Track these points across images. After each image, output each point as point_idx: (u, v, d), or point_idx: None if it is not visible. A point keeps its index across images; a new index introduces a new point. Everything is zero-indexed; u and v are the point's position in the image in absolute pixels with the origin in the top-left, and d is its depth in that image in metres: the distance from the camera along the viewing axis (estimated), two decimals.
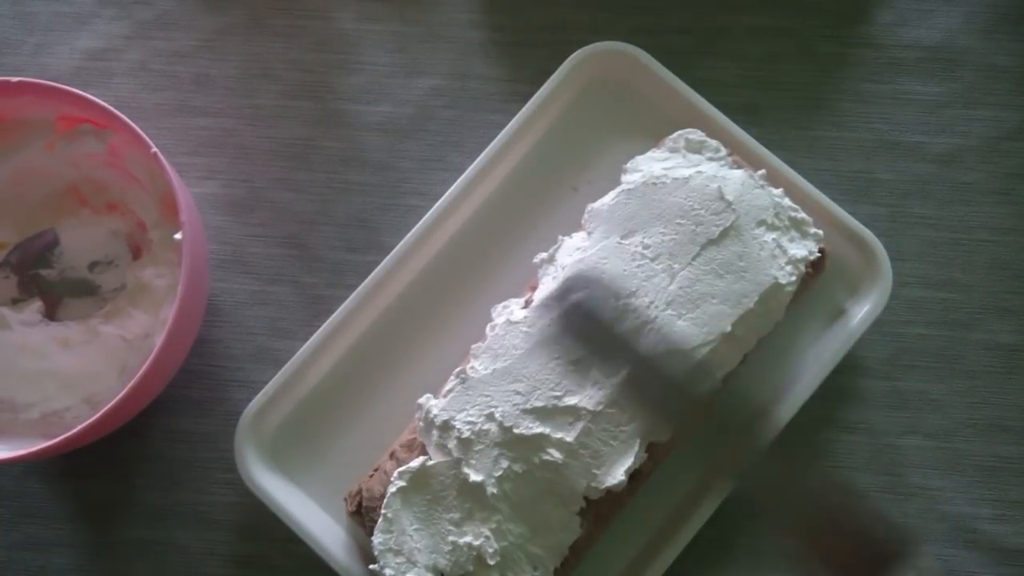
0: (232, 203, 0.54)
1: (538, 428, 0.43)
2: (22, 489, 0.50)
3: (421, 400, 0.45)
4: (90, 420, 0.42)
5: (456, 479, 0.43)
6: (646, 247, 0.45)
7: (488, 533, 0.42)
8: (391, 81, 0.55)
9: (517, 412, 0.43)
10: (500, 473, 0.43)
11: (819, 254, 0.47)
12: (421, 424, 0.45)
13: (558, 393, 0.43)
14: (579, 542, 0.44)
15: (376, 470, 0.46)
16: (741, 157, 0.49)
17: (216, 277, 0.53)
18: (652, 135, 0.50)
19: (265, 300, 0.52)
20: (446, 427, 0.43)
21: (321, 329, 0.49)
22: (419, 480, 0.43)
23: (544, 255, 0.47)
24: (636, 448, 0.43)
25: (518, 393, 0.43)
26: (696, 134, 0.49)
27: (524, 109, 0.51)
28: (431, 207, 0.50)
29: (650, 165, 0.47)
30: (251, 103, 0.55)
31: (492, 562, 0.42)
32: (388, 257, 0.50)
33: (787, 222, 0.47)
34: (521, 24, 0.56)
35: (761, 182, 0.47)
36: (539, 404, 0.43)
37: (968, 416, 0.50)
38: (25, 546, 0.50)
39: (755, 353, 0.47)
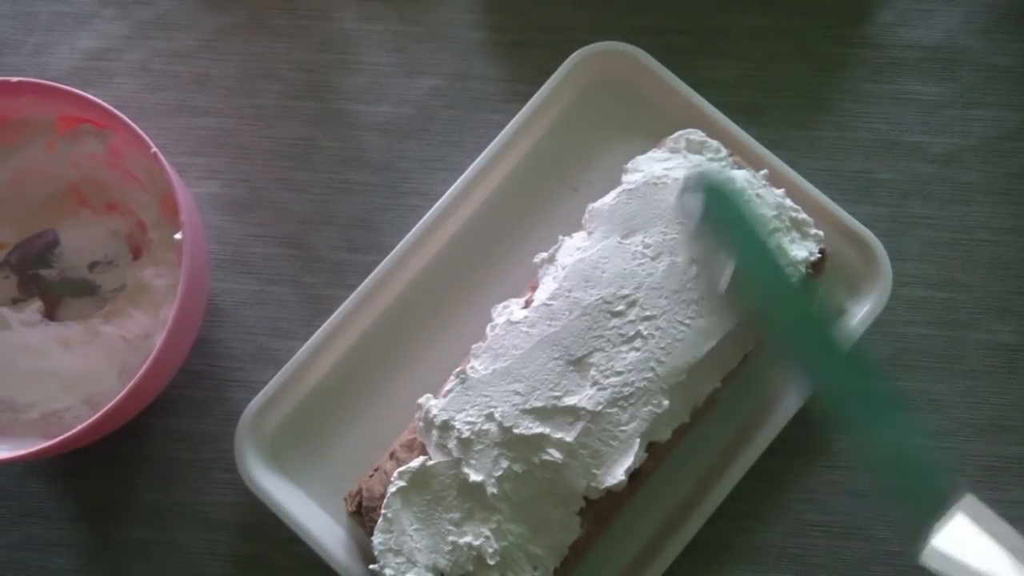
0: (232, 203, 0.54)
1: (538, 428, 0.43)
2: (22, 489, 0.50)
3: (421, 400, 0.45)
4: (90, 420, 0.42)
5: (456, 479, 0.43)
6: (647, 246, 0.45)
7: (488, 533, 0.42)
8: (391, 81, 0.55)
9: (517, 412, 0.43)
10: (500, 473, 0.43)
11: (819, 255, 0.47)
12: (421, 424, 0.45)
13: (558, 393, 0.43)
14: (579, 542, 0.44)
15: (376, 470, 0.46)
16: (741, 157, 0.49)
17: (216, 277, 0.53)
18: (652, 135, 0.50)
19: (265, 300, 0.52)
20: (446, 427, 0.43)
21: (321, 329, 0.49)
22: (419, 480, 0.43)
23: (544, 255, 0.47)
24: (636, 448, 0.43)
25: (518, 393, 0.43)
26: (696, 134, 0.49)
27: (524, 109, 0.51)
28: (431, 207, 0.50)
29: (650, 165, 0.47)
30: (251, 103, 0.55)
31: (492, 562, 0.42)
32: (388, 257, 0.50)
33: (788, 223, 0.47)
34: (521, 24, 0.56)
35: (763, 182, 0.47)
36: (539, 404, 0.43)
37: (968, 416, 0.50)
38: (25, 546, 0.50)
39: (755, 353, 0.47)
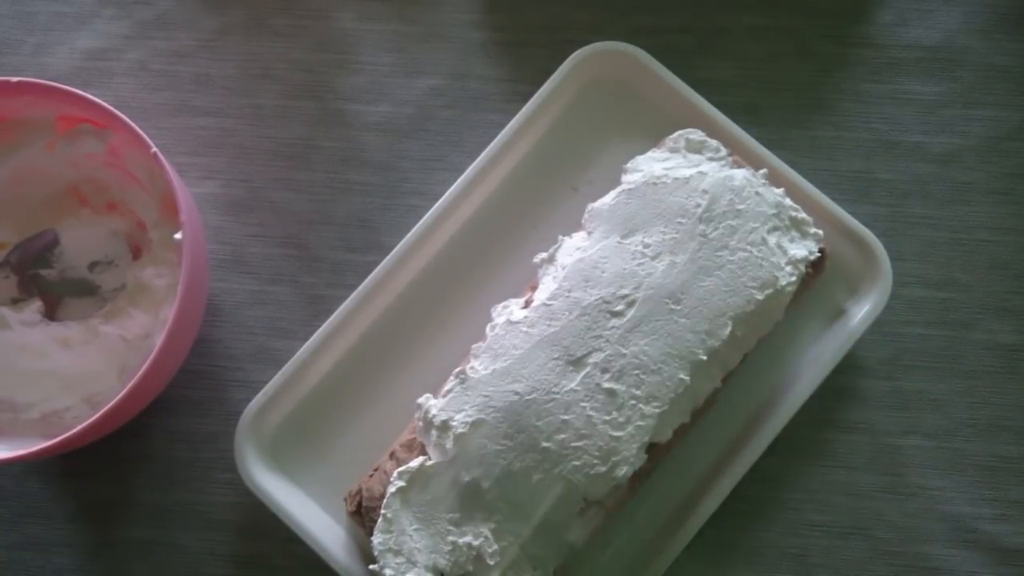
0: (232, 203, 0.54)
1: (537, 427, 0.43)
2: (22, 489, 0.50)
3: (421, 400, 0.45)
4: (90, 420, 0.42)
5: (456, 479, 0.43)
6: (646, 246, 0.45)
7: (488, 533, 0.42)
8: (391, 81, 0.55)
9: (516, 412, 0.43)
10: (500, 473, 0.43)
11: (819, 254, 0.47)
12: (420, 424, 0.45)
13: (557, 393, 0.43)
14: (579, 542, 0.44)
15: (376, 470, 0.46)
16: (741, 157, 0.49)
17: (216, 277, 0.53)
18: (652, 135, 0.50)
19: (265, 300, 0.52)
20: (445, 427, 0.43)
21: (321, 329, 0.49)
22: (419, 480, 0.43)
23: (544, 255, 0.47)
24: (636, 448, 0.43)
25: (517, 393, 0.43)
26: (696, 134, 0.49)
27: (524, 109, 0.51)
28: (431, 207, 0.50)
29: (650, 165, 0.47)
30: (251, 103, 0.55)
31: (492, 562, 0.42)
32: (388, 257, 0.50)
33: (787, 222, 0.47)
34: (521, 24, 0.56)
35: (763, 181, 0.47)
36: (538, 404, 0.43)
37: (968, 416, 0.51)
38: (25, 546, 0.50)
39: (755, 353, 0.47)
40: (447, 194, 0.50)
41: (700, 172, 0.46)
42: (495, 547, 0.42)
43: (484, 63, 0.55)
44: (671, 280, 0.45)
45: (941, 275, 0.52)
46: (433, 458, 0.44)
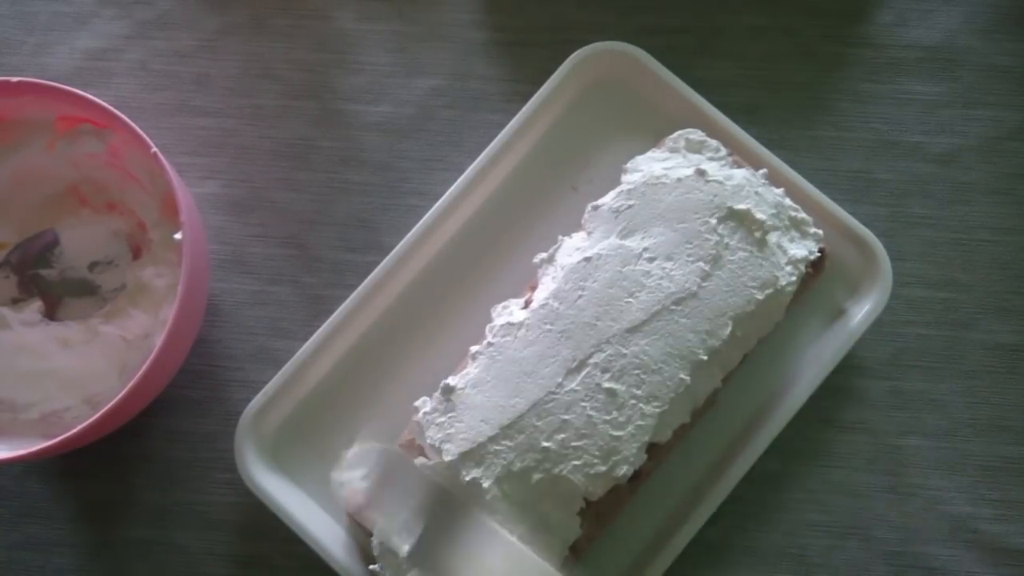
0: (232, 203, 0.54)
1: (537, 428, 0.43)
2: (22, 489, 0.50)
3: (418, 403, 0.45)
4: (90, 420, 0.42)
5: (455, 479, 0.43)
6: (646, 247, 0.45)
7: None
8: (391, 81, 0.55)
9: (516, 413, 0.43)
10: (499, 473, 0.43)
11: (819, 254, 0.47)
12: (418, 427, 0.45)
13: (557, 393, 0.43)
14: (579, 542, 0.44)
15: None
16: (741, 157, 0.49)
17: (216, 277, 0.53)
18: (652, 135, 0.50)
19: (265, 300, 0.52)
20: (444, 428, 0.43)
21: (321, 329, 0.49)
22: None
23: (544, 255, 0.47)
24: (636, 447, 0.43)
25: (517, 394, 0.43)
26: (696, 134, 0.49)
27: (524, 109, 0.51)
28: (431, 207, 0.50)
29: (650, 165, 0.47)
30: (251, 103, 0.55)
31: None
32: (388, 257, 0.50)
33: (787, 222, 0.47)
34: (521, 24, 0.56)
35: (763, 181, 0.47)
36: (538, 404, 0.43)
37: (968, 416, 0.50)
38: (25, 546, 0.50)
39: (755, 353, 0.47)
40: (447, 194, 0.50)
41: (700, 172, 0.46)
42: None
43: (484, 63, 0.55)
44: (671, 280, 0.45)
45: (941, 275, 0.52)
46: (432, 459, 0.44)
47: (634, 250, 0.45)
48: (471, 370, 0.44)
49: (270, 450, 0.49)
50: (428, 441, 0.44)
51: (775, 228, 0.46)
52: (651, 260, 0.45)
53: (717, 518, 0.47)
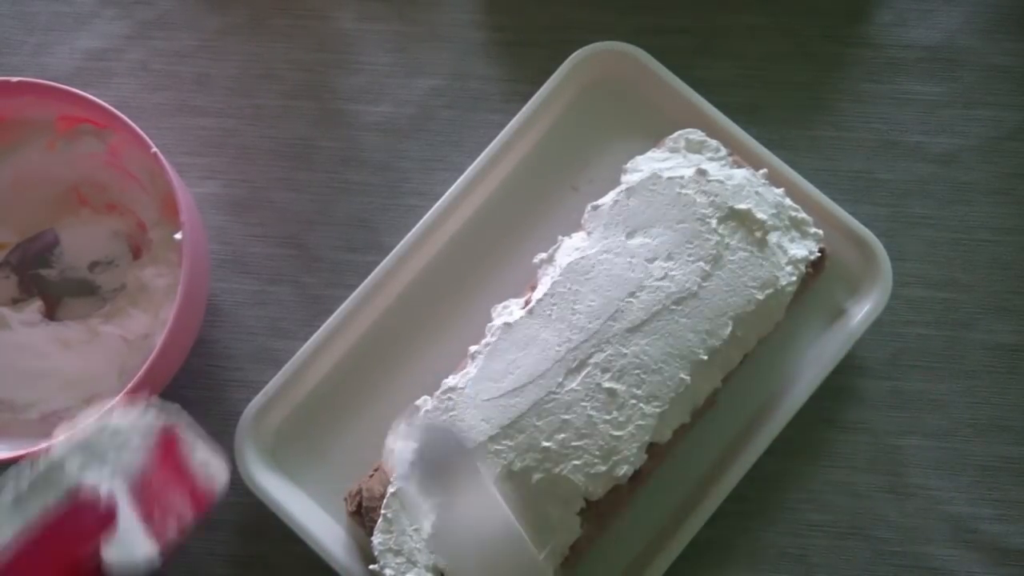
0: (232, 203, 0.54)
1: (537, 428, 0.43)
2: None
3: (419, 402, 0.45)
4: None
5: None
6: (646, 246, 0.45)
7: None
8: (391, 81, 0.55)
9: (515, 412, 0.43)
10: (499, 473, 0.43)
11: (819, 254, 0.47)
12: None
13: (557, 393, 0.43)
14: (579, 542, 0.44)
15: (376, 470, 0.46)
16: (741, 157, 0.49)
17: (216, 277, 0.53)
18: (652, 135, 0.50)
19: (265, 300, 0.52)
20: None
21: (321, 329, 0.49)
22: None
23: (544, 255, 0.47)
24: (636, 447, 0.43)
25: (516, 394, 0.43)
26: (696, 134, 0.49)
27: (524, 109, 0.51)
28: (431, 207, 0.50)
29: (650, 165, 0.47)
30: (251, 103, 0.55)
31: None
32: (388, 257, 0.50)
33: (787, 222, 0.47)
34: (521, 24, 0.56)
35: (763, 181, 0.47)
36: (538, 404, 0.43)
37: (968, 416, 0.50)
38: None
39: (755, 353, 0.47)
40: (447, 194, 0.50)
41: (700, 172, 0.46)
42: None
43: (484, 63, 0.55)
44: (671, 280, 0.45)
45: (941, 275, 0.52)
46: None
47: (634, 250, 0.45)
48: (471, 370, 0.44)
49: (270, 450, 0.49)
50: None
51: (775, 228, 0.46)
52: (651, 260, 0.45)
53: (717, 518, 0.47)
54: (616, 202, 0.46)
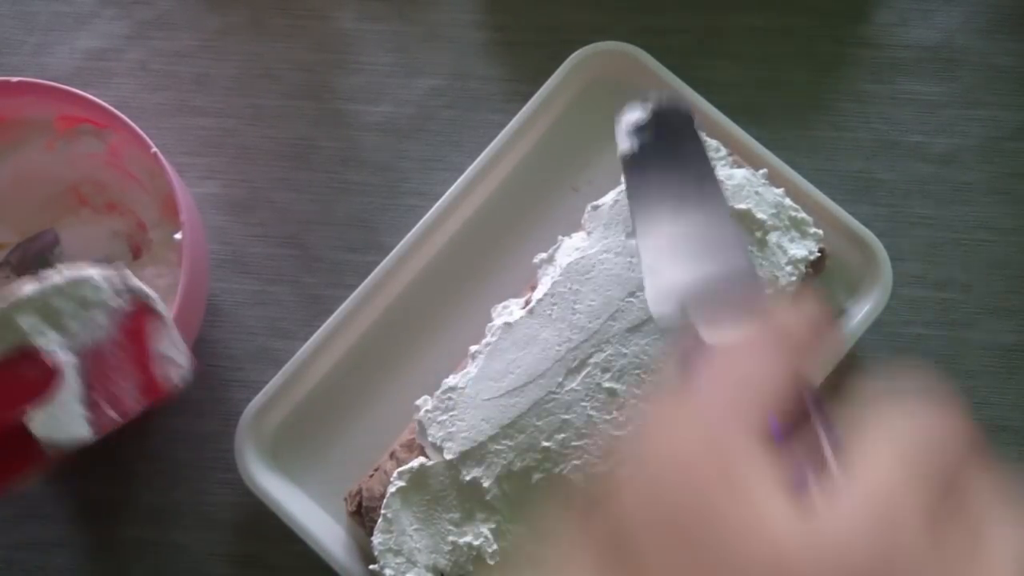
0: (232, 203, 0.54)
1: (537, 428, 0.43)
2: (22, 489, 0.50)
3: (419, 402, 0.45)
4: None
5: (455, 479, 0.43)
6: None
7: (488, 533, 0.42)
8: (391, 81, 0.55)
9: (516, 412, 0.43)
10: (500, 473, 0.43)
11: (819, 254, 0.47)
12: (418, 426, 0.45)
13: (557, 393, 0.43)
14: None
15: (376, 470, 0.46)
16: (741, 157, 0.49)
17: (216, 277, 0.53)
18: None
19: (265, 300, 0.52)
20: (444, 428, 0.43)
21: (321, 329, 0.49)
22: (419, 480, 0.43)
23: (544, 255, 0.47)
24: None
25: (516, 394, 0.43)
26: None
27: (524, 109, 0.51)
28: (431, 207, 0.50)
29: None
30: (251, 103, 0.55)
31: (492, 562, 0.42)
32: (388, 257, 0.50)
33: (787, 222, 0.47)
34: (521, 24, 0.56)
35: (763, 181, 0.47)
36: (538, 404, 0.43)
37: (967, 416, 0.50)
38: (25, 546, 0.50)
39: None
40: (447, 194, 0.50)
41: None
42: (495, 547, 0.42)
43: (484, 63, 0.55)
44: None
45: (941, 275, 0.52)
46: (433, 458, 0.44)
47: (634, 250, 0.45)
48: (471, 369, 0.44)
49: (270, 450, 0.49)
50: (429, 439, 0.44)
51: (775, 228, 0.46)
52: None
53: None
54: (616, 202, 0.46)
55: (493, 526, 0.43)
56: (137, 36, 0.56)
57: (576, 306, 0.44)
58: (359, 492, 0.45)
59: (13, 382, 0.34)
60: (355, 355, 0.50)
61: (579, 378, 0.43)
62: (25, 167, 0.50)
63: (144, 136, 0.45)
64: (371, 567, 0.44)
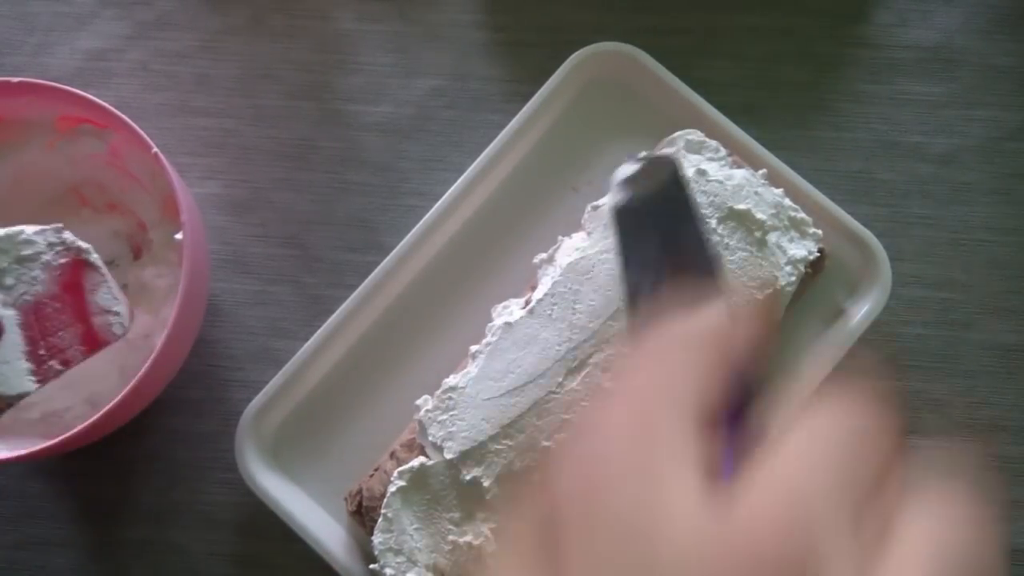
0: (233, 203, 0.54)
1: (537, 427, 0.43)
2: (22, 489, 0.50)
3: (419, 401, 0.45)
4: (90, 420, 0.42)
5: (455, 479, 0.43)
6: None
7: (488, 533, 0.42)
8: (391, 81, 0.55)
9: (516, 412, 0.43)
10: (500, 472, 0.43)
11: (818, 254, 0.47)
12: (418, 426, 0.45)
13: (557, 393, 0.43)
14: None
15: (376, 470, 0.46)
16: (741, 157, 0.49)
17: (216, 277, 0.53)
18: (652, 135, 0.50)
19: (265, 300, 0.52)
20: (444, 427, 0.43)
21: (321, 329, 0.49)
22: (419, 480, 0.43)
23: (544, 255, 0.47)
24: None
25: (516, 393, 0.43)
26: (696, 134, 0.49)
27: (524, 109, 0.51)
28: (431, 207, 0.50)
29: None
30: (252, 103, 0.55)
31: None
32: (388, 257, 0.50)
33: (787, 222, 0.47)
34: (521, 24, 0.56)
35: (762, 181, 0.47)
36: (538, 404, 0.43)
37: (968, 416, 0.50)
38: (25, 546, 0.50)
39: None
40: (447, 194, 0.50)
41: (699, 172, 0.46)
42: (495, 547, 0.42)
43: (484, 63, 0.55)
44: None
45: (941, 275, 0.52)
46: (433, 458, 0.44)
47: None
48: (472, 369, 0.44)
49: (270, 450, 0.49)
50: (429, 439, 0.44)
51: (775, 228, 0.46)
52: None
53: None
54: None
55: (493, 525, 0.43)
56: (138, 36, 0.56)
57: (576, 306, 0.44)
58: (359, 492, 0.45)
59: None
60: (355, 355, 0.50)
61: (579, 378, 0.43)
62: (26, 167, 0.50)
63: (145, 136, 0.45)
64: (371, 567, 0.44)
